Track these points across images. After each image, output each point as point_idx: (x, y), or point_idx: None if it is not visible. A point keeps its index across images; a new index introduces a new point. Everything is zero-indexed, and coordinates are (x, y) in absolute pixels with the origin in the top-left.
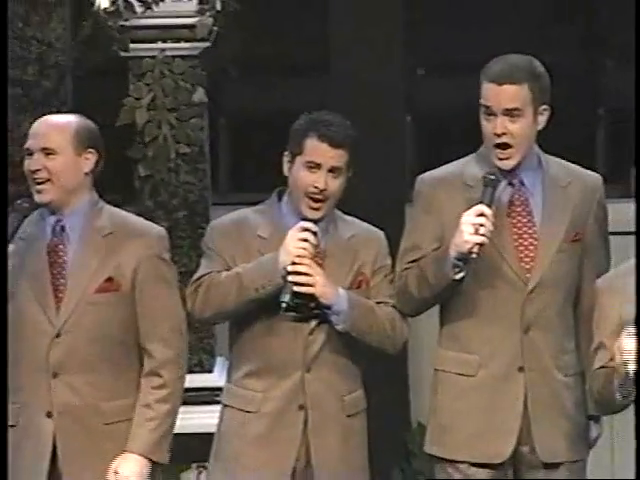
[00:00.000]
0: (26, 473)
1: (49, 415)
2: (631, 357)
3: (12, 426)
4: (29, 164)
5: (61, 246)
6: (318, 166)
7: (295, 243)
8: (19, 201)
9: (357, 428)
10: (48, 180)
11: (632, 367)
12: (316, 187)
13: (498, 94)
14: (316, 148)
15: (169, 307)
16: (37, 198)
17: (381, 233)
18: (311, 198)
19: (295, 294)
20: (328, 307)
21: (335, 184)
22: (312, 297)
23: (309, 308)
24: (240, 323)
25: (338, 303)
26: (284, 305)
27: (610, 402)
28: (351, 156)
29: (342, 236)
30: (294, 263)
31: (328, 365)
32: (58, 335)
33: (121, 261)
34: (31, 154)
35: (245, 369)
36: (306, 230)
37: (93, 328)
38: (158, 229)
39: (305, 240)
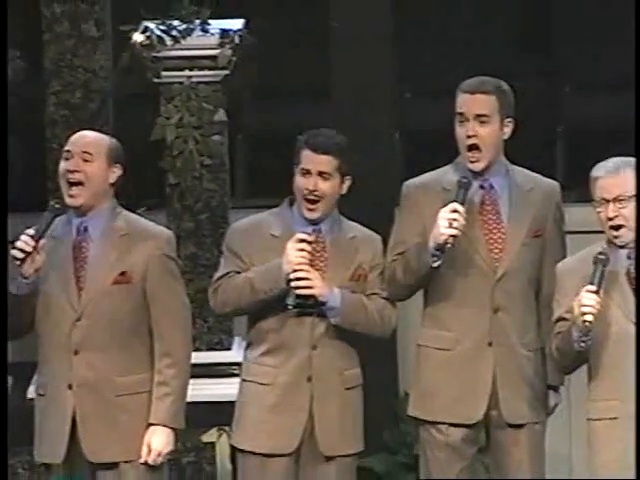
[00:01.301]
0: (51, 436)
1: (70, 387)
2: (589, 310)
3: (41, 395)
4: (67, 165)
5: (84, 244)
6: (309, 172)
7: (294, 253)
8: (52, 202)
9: (354, 399)
10: (80, 183)
11: (590, 318)
12: (307, 189)
13: (470, 101)
14: (306, 157)
15: (176, 297)
16: (69, 201)
17: (378, 237)
18: (307, 200)
19: (297, 296)
20: (324, 304)
21: (325, 186)
22: (312, 297)
23: (310, 306)
24: (256, 313)
25: (332, 300)
26: (289, 305)
27: (569, 354)
28: (341, 162)
29: (345, 236)
30: (295, 270)
31: (330, 345)
32: (79, 319)
33: (134, 258)
34: (70, 157)
35: (261, 349)
36: (302, 241)
37: (108, 314)
38: (167, 232)
39: (302, 249)
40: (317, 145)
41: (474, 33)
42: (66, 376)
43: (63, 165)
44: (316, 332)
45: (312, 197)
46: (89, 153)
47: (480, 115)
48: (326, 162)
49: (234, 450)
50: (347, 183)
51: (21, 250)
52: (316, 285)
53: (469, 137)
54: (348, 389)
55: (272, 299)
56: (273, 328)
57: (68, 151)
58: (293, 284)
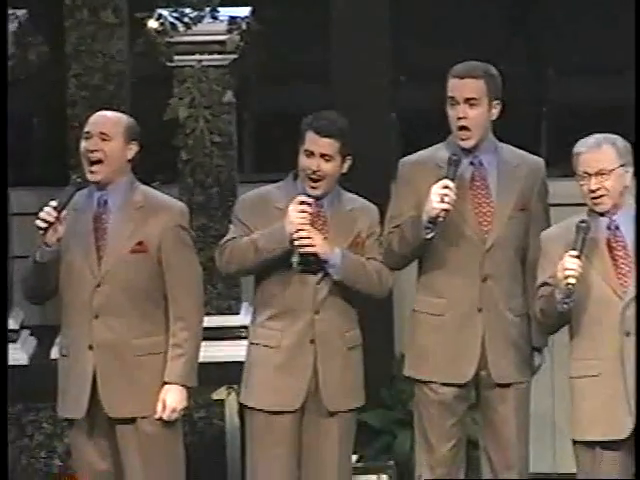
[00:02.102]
0: (73, 393)
1: (90, 348)
2: (572, 273)
3: (64, 356)
4: (88, 145)
5: (104, 215)
6: (312, 153)
7: (296, 215)
8: (74, 177)
9: (355, 358)
10: (100, 161)
11: (572, 281)
12: (310, 169)
13: (460, 86)
14: (310, 139)
15: (189, 265)
16: (90, 177)
17: (374, 207)
18: (310, 179)
19: (301, 254)
20: (326, 261)
21: (327, 166)
22: (314, 254)
23: (312, 263)
24: (262, 279)
25: (334, 258)
26: (294, 263)
27: (552, 315)
28: (343, 144)
29: (344, 208)
30: (297, 230)
31: (332, 308)
32: (99, 285)
33: (150, 229)
34: (90, 137)
35: (266, 314)
36: (303, 203)
37: (126, 280)
38: (180, 204)
39: (303, 211)
40: (321, 128)
41: (464, 20)
42: (87, 338)
43: (84, 144)
44: (318, 297)
45: (315, 177)
46: (107, 134)
47: (469, 99)
48: (328, 145)
49: (242, 407)
50: (348, 163)
51: (44, 220)
52: (317, 243)
53: (459, 119)
54: (349, 349)
55: (276, 260)
56: (278, 293)
57: (88, 132)
58: (296, 243)
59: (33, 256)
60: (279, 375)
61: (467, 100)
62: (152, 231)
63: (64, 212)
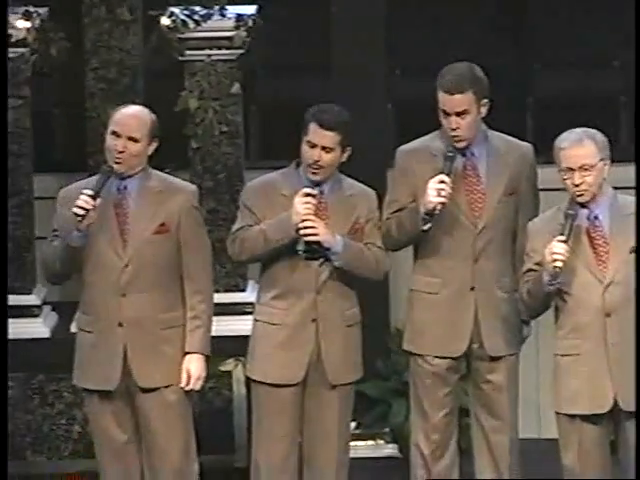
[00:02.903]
0: (103, 367)
1: (120, 325)
2: (559, 257)
3: (87, 332)
4: (116, 145)
5: (124, 201)
6: (315, 145)
7: (301, 206)
8: (104, 165)
9: (354, 334)
10: (125, 159)
11: (560, 264)
12: (312, 159)
13: (450, 101)
14: (313, 130)
15: (203, 242)
16: (115, 167)
17: (373, 192)
18: (311, 167)
19: (306, 242)
20: (328, 249)
21: (327, 157)
22: (318, 243)
23: (316, 251)
24: (268, 261)
25: (336, 246)
26: (299, 251)
27: (538, 297)
28: (343, 137)
29: (344, 193)
30: (303, 220)
31: (333, 290)
32: (126, 266)
33: (169, 211)
34: (119, 137)
35: (271, 293)
36: (308, 195)
37: (151, 260)
38: (192, 186)
39: (308, 202)
40: (323, 122)
41: (455, 18)
42: (116, 315)
43: (112, 142)
44: (320, 278)
45: (316, 166)
46: (134, 138)
47: (460, 112)
48: (330, 137)
49: (248, 378)
50: (347, 153)
51: (82, 208)
52: (321, 232)
53: (452, 130)
54: (349, 326)
55: (283, 247)
56: (282, 275)
57: (117, 132)
58: (301, 232)
59: (63, 241)
60: (282, 351)
61: (458, 113)
62: (171, 212)
63: (98, 200)
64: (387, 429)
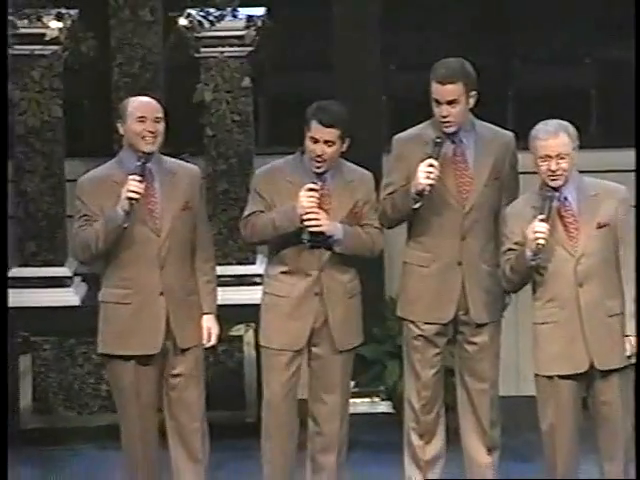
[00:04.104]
0: (146, 333)
1: (161, 294)
2: (541, 235)
3: (127, 303)
4: (146, 127)
5: (150, 182)
6: (317, 140)
7: (306, 199)
8: (139, 154)
9: (355, 304)
10: (155, 139)
11: (542, 241)
12: (315, 154)
13: (442, 91)
14: (315, 128)
15: (206, 216)
16: (148, 149)
17: (371, 175)
18: (314, 160)
19: (310, 232)
20: (331, 236)
21: (330, 150)
22: (321, 233)
23: (319, 239)
24: (276, 242)
25: (337, 234)
26: (304, 240)
27: (521, 271)
28: (343, 131)
29: (345, 179)
30: (307, 212)
31: (335, 267)
32: (163, 241)
33: (188, 189)
34: (145, 121)
35: (279, 269)
36: (312, 190)
37: (181, 234)
38: (196, 167)
39: (312, 196)
40: (324, 120)
41: (443, 19)
42: (157, 286)
43: (141, 127)
44: (323, 258)
45: (320, 159)
46: (158, 117)
47: (451, 100)
48: (331, 133)
49: (257, 343)
50: (347, 143)
51: (135, 192)
52: (324, 223)
53: (443, 117)
54: (350, 297)
55: (289, 234)
56: (289, 255)
57: (143, 117)
58: (306, 223)
59: (107, 223)
60: (288, 320)
61: (449, 102)
62: (190, 190)
63: (143, 183)
64: (382, 388)
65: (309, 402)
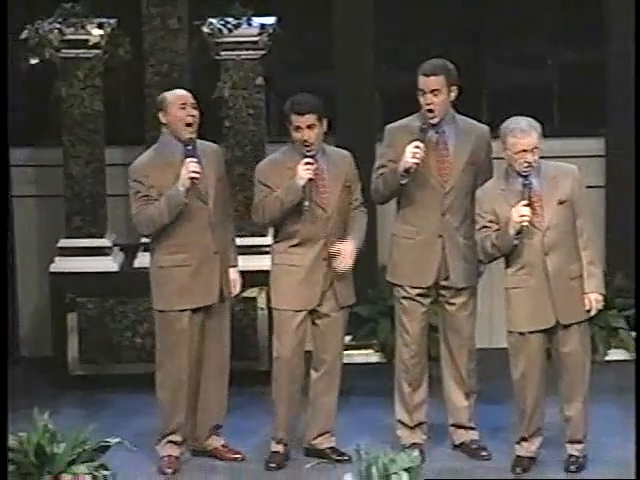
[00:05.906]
0: (203, 287)
1: (216, 252)
2: (525, 218)
3: (187, 265)
4: (187, 112)
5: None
6: (299, 127)
7: (303, 171)
8: (186, 139)
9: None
10: (194, 122)
11: (526, 223)
12: (302, 140)
13: (426, 82)
14: (295, 119)
15: (229, 189)
16: (187, 135)
17: (349, 153)
18: (304, 146)
19: (310, 198)
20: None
21: (313, 133)
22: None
23: (319, 205)
24: (284, 219)
25: (355, 252)
26: (305, 206)
27: (505, 246)
28: (319, 114)
29: (331, 158)
30: (307, 181)
31: (337, 236)
32: (211, 211)
33: (222, 166)
34: (185, 107)
35: (288, 244)
36: (307, 163)
37: (220, 206)
38: (218, 146)
39: (309, 168)
40: (300, 109)
41: (427, 26)
42: (211, 247)
43: (183, 112)
44: (326, 229)
45: (307, 144)
46: (195, 105)
47: (433, 90)
48: (309, 119)
49: (269, 305)
50: (325, 122)
51: (197, 172)
52: (348, 261)
53: (427, 104)
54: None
55: (294, 206)
56: (296, 229)
57: (184, 104)
58: (306, 191)
59: (170, 199)
60: (301, 285)
61: (432, 91)
62: (220, 169)
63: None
64: (375, 341)
65: (314, 354)
